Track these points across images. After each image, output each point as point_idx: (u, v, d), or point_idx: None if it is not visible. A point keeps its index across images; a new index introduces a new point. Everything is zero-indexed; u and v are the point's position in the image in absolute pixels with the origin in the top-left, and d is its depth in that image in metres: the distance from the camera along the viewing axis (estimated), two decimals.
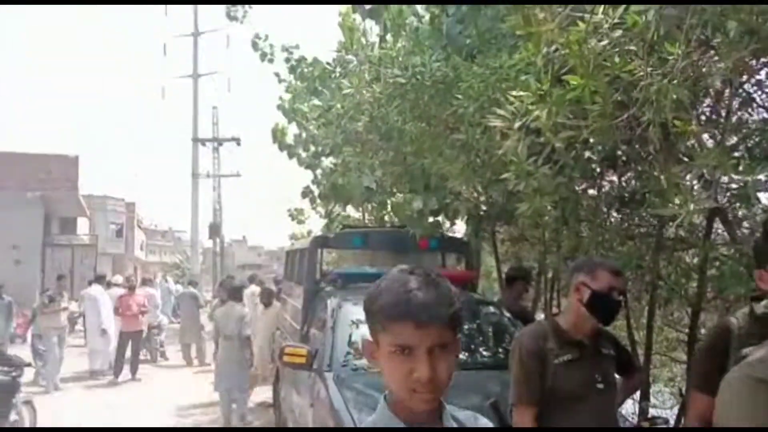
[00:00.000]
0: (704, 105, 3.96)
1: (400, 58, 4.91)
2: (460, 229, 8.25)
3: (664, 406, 6.45)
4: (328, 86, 7.90)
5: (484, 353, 5.22)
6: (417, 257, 6.83)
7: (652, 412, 4.78)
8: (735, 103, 3.86)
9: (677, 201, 2.91)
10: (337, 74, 7.80)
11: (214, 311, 10.65)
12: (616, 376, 3.13)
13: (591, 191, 5.25)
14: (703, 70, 2.95)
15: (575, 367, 2.81)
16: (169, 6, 29.89)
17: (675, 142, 3.49)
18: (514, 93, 3.27)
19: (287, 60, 9.07)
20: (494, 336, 5.46)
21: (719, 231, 4.51)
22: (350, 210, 10.41)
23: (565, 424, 2.78)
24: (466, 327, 5.52)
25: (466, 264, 7.51)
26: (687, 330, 4.97)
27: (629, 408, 5.02)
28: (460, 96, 4.41)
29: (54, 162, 21.16)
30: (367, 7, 6.71)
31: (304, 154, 9.70)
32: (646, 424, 3.59)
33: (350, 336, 5.08)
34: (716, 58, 2.92)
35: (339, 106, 5.81)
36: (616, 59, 2.86)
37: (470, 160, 4.61)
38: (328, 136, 6.51)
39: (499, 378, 3.86)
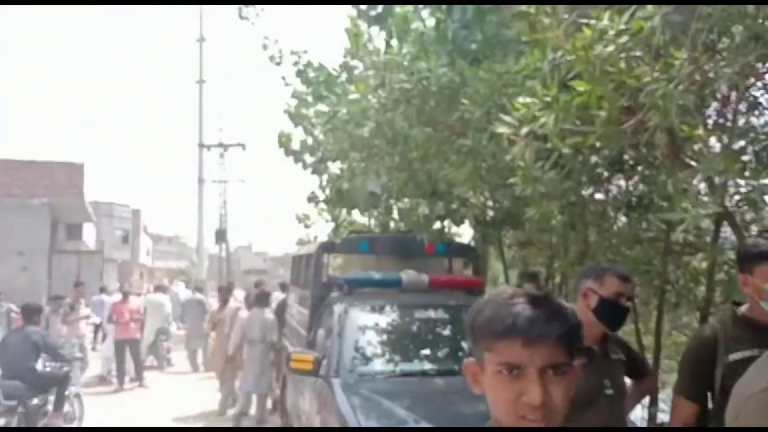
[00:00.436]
0: (711, 109, 3.96)
1: (406, 64, 4.92)
2: (467, 234, 8.24)
3: None
4: (333, 91, 7.91)
5: None
6: (424, 263, 6.84)
7: (660, 417, 4.76)
8: (742, 107, 3.86)
9: (684, 205, 2.90)
10: (343, 80, 7.81)
11: (213, 317, 10.60)
12: (627, 380, 3.12)
13: (598, 196, 5.24)
14: (710, 74, 2.95)
15: (583, 372, 2.80)
16: (174, 12, 30.02)
17: (682, 147, 3.48)
18: (520, 99, 3.28)
19: (295, 64, 9.08)
20: None
21: (727, 235, 4.50)
22: (356, 215, 10.40)
23: None
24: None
25: (474, 269, 7.50)
26: None
27: (638, 413, 5.00)
28: (466, 101, 4.41)
29: (60, 169, 21.25)
30: (372, 12, 6.72)
31: (309, 160, 9.71)
32: None
33: (357, 342, 5.08)
34: (723, 63, 2.92)
35: (345, 111, 5.81)
36: (622, 65, 2.85)
37: (477, 165, 4.61)
38: (334, 142, 6.51)
39: None
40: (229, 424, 8.63)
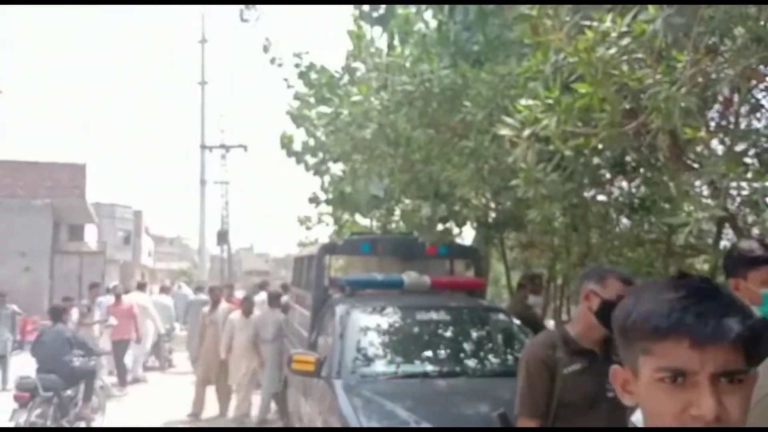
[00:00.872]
0: (713, 111, 3.96)
1: (408, 66, 4.93)
2: (468, 235, 8.25)
3: None
4: (336, 93, 7.93)
5: (493, 360, 5.22)
6: (425, 264, 6.84)
7: None
8: (744, 110, 3.86)
9: (687, 208, 2.90)
10: (346, 81, 7.83)
11: (204, 319, 10.10)
12: None
13: (600, 198, 5.25)
14: (712, 77, 2.95)
15: (585, 376, 2.81)
16: (176, 13, 30.14)
17: (684, 149, 3.49)
18: (522, 101, 3.28)
19: (297, 65, 9.10)
20: (503, 343, 5.45)
21: (729, 237, 4.51)
22: (358, 217, 10.41)
23: None
24: (474, 334, 5.53)
25: (475, 271, 7.50)
26: None
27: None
28: (468, 103, 4.42)
29: (62, 170, 21.29)
30: (375, 14, 6.74)
31: (311, 161, 9.72)
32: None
33: (359, 343, 5.08)
34: (724, 65, 2.92)
35: (347, 113, 5.82)
36: (625, 67, 2.86)
37: (479, 167, 4.62)
38: (336, 144, 6.52)
39: (509, 385, 3.87)
40: (230, 425, 8.61)
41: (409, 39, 6.31)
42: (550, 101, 3.11)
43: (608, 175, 4.96)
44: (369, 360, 4.98)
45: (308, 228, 13.42)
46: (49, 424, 7.11)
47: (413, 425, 3.92)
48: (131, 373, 12.26)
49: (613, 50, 2.83)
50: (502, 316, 5.76)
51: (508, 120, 3.26)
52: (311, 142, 9.51)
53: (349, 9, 7.37)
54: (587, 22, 2.92)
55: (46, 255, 21.22)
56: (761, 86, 3.92)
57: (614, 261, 4.69)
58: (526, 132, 3.15)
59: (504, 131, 3.27)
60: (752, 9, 2.72)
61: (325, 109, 8.23)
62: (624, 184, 5.17)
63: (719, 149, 3.58)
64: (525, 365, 2.87)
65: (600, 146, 3.52)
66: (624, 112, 3.06)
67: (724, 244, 4.53)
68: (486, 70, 4.44)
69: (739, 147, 3.80)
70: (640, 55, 2.87)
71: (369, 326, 5.31)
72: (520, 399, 2.86)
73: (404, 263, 6.77)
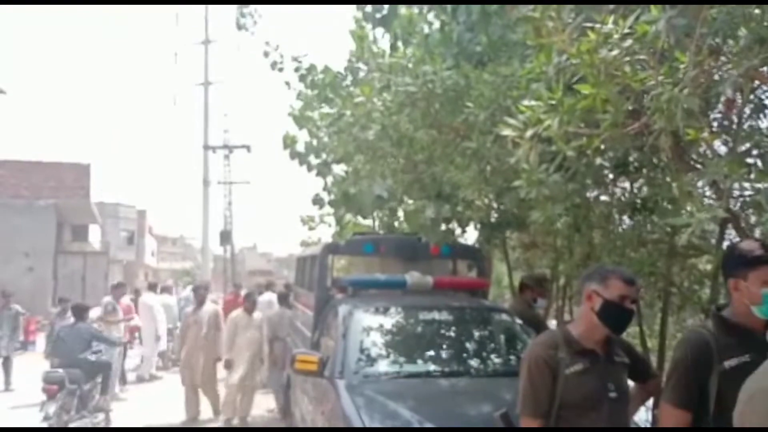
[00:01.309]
0: (715, 112, 3.96)
1: (411, 66, 4.93)
2: (471, 235, 8.25)
3: None
4: (339, 94, 7.93)
5: (496, 360, 5.22)
6: (428, 264, 6.84)
7: None
8: (747, 110, 3.86)
9: (689, 208, 2.91)
10: (348, 82, 7.83)
11: (187, 319, 9.87)
12: (630, 383, 3.12)
13: (603, 198, 5.25)
14: (715, 78, 2.95)
15: (587, 376, 2.81)
16: (180, 14, 30.18)
17: (686, 150, 3.49)
18: (525, 102, 3.29)
19: (296, 69, 9.10)
20: (506, 343, 5.46)
21: (732, 238, 4.50)
22: (360, 218, 10.40)
23: None
24: (477, 334, 5.54)
25: (478, 271, 7.51)
26: None
27: (642, 416, 5.00)
28: (471, 104, 4.43)
29: (66, 170, 21.37)
30: (378, 14, 6.74)
31: (314, 162, 9.71)
32: None
33: (362, 343, 5.09)
34: (727, 66, 2.92)
35: (350, 114, 5.82)
36: (627, 68, 2.86)
37: (481, 168, 4.62)
38: (339, 145, 6.53)
39: (511, 385, 3.87)
40: (230, 425, 8.61)
41: (411, 40, 6.31)
42: (553, 102, 3.11)
43: (611, 176, 4.95)
44: (372, 360, 4.99)
45: (311, 228, 13.41)
46: (72, 414, 7.72)
47: (416, 425, 3.93)
48: (144, 371, 12.49)
49: (615, 52, 2.84)
50: (504, 317, 5.77)
51: (511, 121, 3.27)
52: (314, 143, 9.51)
53: (352, 8, 7.37)
54: (590, 24, 2.93)
55: (50, 255, 21.30)
56: (764, 87, 3.91)
57: (617, 261, 4.69)
58: (529, 133, 3.16)
59: (507, 132, 3.28)
60: (755, 10, 2.72)
61: (327, 109, 8.24)
62: (626, 184, 5.16)
63: (722, 150, 3.57)
64: (527, 365, 2.87)
65: (602, 147, 3.52)
66: (626, 113, 3.06)
67: (727, 245, 4.53)
68: (489, 71, 4.44)
69: (742, 148, 3.79)
70: (642, 57, 2.87)
71: (372, 326, 5.32)
72: (522, 399, 2.87)
73: (407, 263, 6.78)
